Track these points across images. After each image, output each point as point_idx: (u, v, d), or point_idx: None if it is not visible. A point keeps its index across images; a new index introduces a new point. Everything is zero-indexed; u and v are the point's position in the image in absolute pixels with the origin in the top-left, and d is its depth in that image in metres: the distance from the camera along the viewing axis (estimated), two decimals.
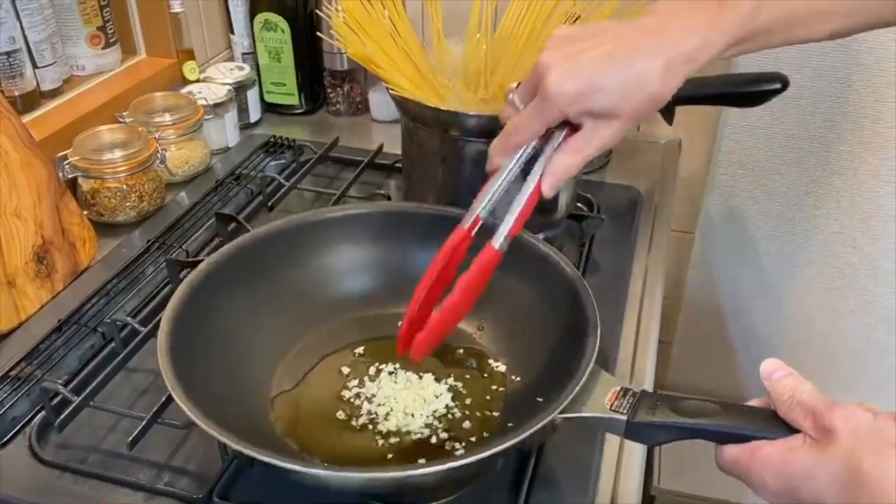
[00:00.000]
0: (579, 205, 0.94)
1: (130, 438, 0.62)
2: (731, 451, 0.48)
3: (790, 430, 0.46)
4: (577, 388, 0.54)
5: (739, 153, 1.19)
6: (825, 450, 0.43)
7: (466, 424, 0.63)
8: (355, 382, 0.67)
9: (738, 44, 0.56)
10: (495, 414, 0.64)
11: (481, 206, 0.60)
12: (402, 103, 0.81)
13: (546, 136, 0.58)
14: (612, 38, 0.54)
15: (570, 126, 0.57)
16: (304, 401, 0.65)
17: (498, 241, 0.58)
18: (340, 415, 0.64)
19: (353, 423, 0.63)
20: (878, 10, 0.58)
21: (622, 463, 0.65)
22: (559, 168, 0.57)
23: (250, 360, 0.66)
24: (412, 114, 0.81)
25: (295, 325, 0.71)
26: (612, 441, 0.66)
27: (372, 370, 0.68)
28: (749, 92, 0.80)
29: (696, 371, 1.43)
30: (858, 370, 1.33)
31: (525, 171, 0.59)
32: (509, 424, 0.62)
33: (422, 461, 0.59)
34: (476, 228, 0.60)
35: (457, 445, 0.61)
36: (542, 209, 0.84)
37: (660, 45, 0.54)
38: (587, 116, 0.55)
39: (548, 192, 0.57)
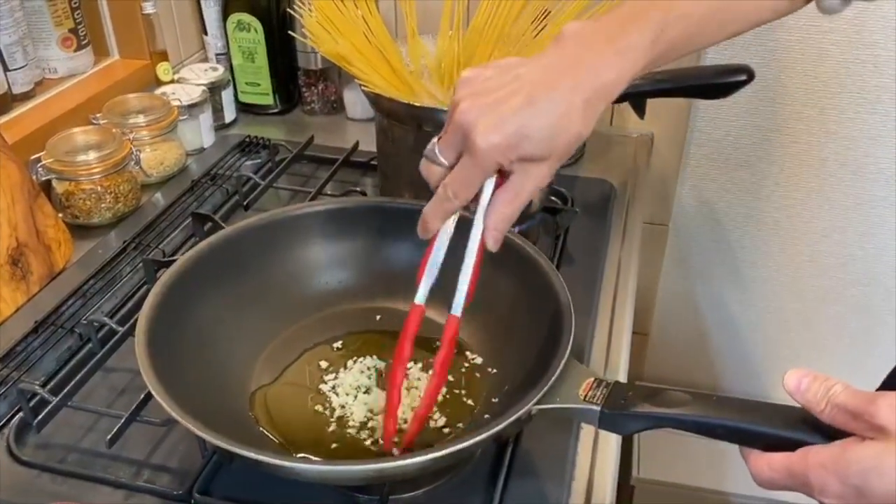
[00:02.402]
0: (553, 198, 0.95)
1: (109, 437, 0.62)
2: (779, 459, 0.45)
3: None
4: (552, 380, 0.54)
5: (710, 146, 1.21)
6: (888, 445, 0.41)
7: (442, 416, 0.64)
8: (333, 376, 0.67)
9: (648, 66, 0.57)
10: (472, 405, 0.65)
11: (432, 281, 0.59)
12: (375, 100, 0.81)
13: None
14: (528, 82, 0.54)
15: (499, 174, 0.56)
16: (283, 395, 0.66)
17: (458, 310, 0.58)
18: (319, 408, 0.65)
19: (331, 416, 0.64)
20: (759, 13, 0.61)
21: (598, 451, 0.66)
22: (499, 220, 0.56)
23: (229, 356, 0.66)
24: (386, 110, 0.82)
25: (273, 320, 0.71)
26: (587, 430, 0.67)
27: (350, 363, 0.69)
28: (716, 84, 0.82)
29: (673, 362, 1.45)
30: (829, 358, 1.35)
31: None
32: (486, 416, 0.63)
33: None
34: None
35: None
36: None
37: (577, 83, 0.53)
38: (518, 163, 0.54)
39: (493, 247, 0.57)
